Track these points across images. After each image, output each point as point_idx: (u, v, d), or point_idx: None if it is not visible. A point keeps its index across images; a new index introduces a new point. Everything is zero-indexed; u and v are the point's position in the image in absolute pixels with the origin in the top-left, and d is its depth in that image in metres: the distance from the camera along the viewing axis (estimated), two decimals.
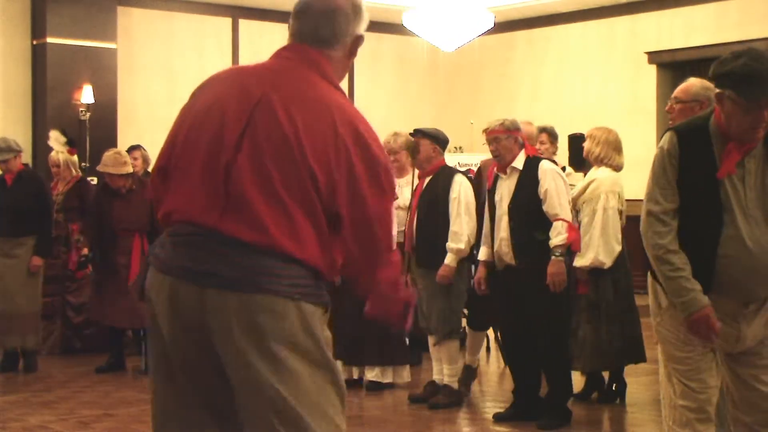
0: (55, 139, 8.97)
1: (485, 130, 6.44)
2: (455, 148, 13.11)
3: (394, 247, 2.91)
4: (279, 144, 2.73)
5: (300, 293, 2.72)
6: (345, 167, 2.76)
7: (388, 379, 7.28)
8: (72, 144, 9.06)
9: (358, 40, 2.96)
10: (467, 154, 13.27)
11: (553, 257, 6.05)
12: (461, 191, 6.69)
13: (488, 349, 9.05)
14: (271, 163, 2.72)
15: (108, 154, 8.14)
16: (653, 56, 13.20)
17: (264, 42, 13.20)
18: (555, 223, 6.10)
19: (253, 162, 2.72)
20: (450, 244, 6.59)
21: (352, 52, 2.97)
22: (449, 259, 6.59)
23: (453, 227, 6.62)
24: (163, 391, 2.88)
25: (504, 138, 6.28)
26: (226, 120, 2.77)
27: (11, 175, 8.03)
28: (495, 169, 6.47)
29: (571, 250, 6.17)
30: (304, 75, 2.86)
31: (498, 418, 6.37)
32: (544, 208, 6.13)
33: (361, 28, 2.97)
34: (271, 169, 2.71)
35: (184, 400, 2.84)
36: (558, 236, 6.07)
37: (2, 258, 8.03)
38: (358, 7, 2.95)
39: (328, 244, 2.77)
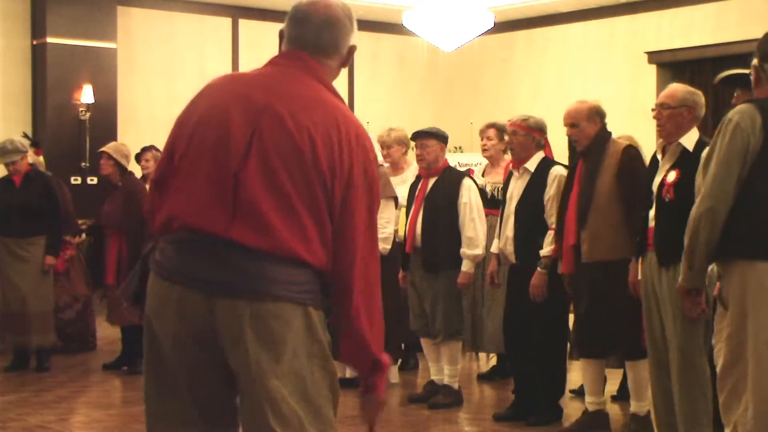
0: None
1: (508, 121, 6.51)
2: (455, 148, 13.10)
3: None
4: (289, 151, 2.73)
5: (309, 298, 2.76)
6: (346, 174, 2.77)
7: None
8: (36, 145, 9.20)
9: (352, 50, 2.98)
10: (467, 153, 13.26)
11: (538, 269, 6.08)
12: (471, 195, 6.69)
13: None
14: (281, 169, 2.72)
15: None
16: (653, 56, 13.19)
17: (264, 42, 13.19)
18: (549, 232, 6.13)
19: (262, 169, 2.72)
20: (465, 250, 6.59)
21: (345, 62, 2.99)
22: (466, 266, 6.60)
23: (467, 233, 6.61)
24: (155, 397, 2.88)
25: (522, 134, 6.31)
26: (231, 129, 2.76)
27: (19, 176, 8.07)
28: (511, 165, 6.52)
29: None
30: (304, 82, 2.87)
31: (497, 418, 6.38)
32: (545, 214, 6.15)
33: (355, 39, 2.99)
34: (281, 175, 2.72)
35: (178, 407, 2.85)
36: (547, 246, 6.09)
37: (13, 259, 8.06)
38: (352, 19, 2.97)
39: (329, 246, 2.79)
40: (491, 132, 7.52)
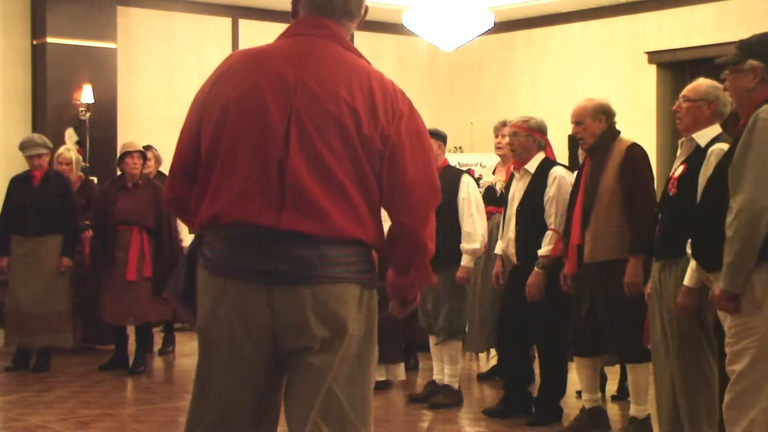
0: (69, 138, 9.09)
1: (510, 122, 6.53)
2: (455, 147, 13.09)
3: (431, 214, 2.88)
4: (329, 127, 2.68)
5: (365, 278, 2.75)
6: (389, 134, 2.73)
7: (382, 377, 7.30)
8: (79, 143, 9.27)
9: (367, 10, 2.95)
10: (467, 153, 13.25)
11: (535, 269, 6.08)
12: (470, 191, 6.71)
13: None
14: (324, 149, 2.67)
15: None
16: (653, 56, 13.19)
17: (264, 42, 13.15)
18: (547, 232, 6.13)
19: (305, 151, 2.67)
20: (464, 245, 6.61)
21: (361, 23, 2.94)
22: (465, 260, 6.62)
23: (465, 228, 6.63)
24: (203, 392, 2.81)
25: (523, 135, 6.32)
26: (267, 114, 2.70)
27: (40, 173, 8.10)
28: (512, 166, 6.53)
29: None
30: (330, 49, 2.80)
31: (487, 413, 6.42)
32: (544, 215, 6.15)
33: None
34: (325, 155, 2.67)
35: (227, 401, 2.78)
36: (545, 247, 6.09)
37: (29, 257, 8.06)
38: None
39: (378, 215, 2.77)
40: (507, 130, 7.52)
